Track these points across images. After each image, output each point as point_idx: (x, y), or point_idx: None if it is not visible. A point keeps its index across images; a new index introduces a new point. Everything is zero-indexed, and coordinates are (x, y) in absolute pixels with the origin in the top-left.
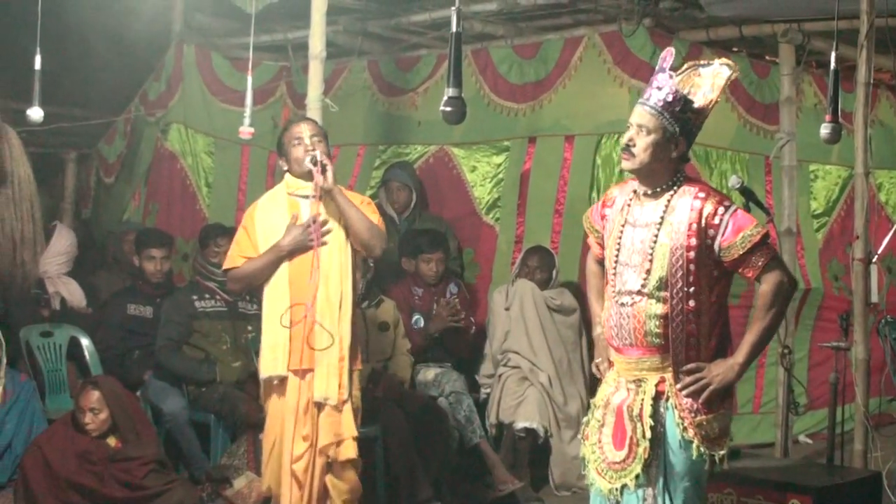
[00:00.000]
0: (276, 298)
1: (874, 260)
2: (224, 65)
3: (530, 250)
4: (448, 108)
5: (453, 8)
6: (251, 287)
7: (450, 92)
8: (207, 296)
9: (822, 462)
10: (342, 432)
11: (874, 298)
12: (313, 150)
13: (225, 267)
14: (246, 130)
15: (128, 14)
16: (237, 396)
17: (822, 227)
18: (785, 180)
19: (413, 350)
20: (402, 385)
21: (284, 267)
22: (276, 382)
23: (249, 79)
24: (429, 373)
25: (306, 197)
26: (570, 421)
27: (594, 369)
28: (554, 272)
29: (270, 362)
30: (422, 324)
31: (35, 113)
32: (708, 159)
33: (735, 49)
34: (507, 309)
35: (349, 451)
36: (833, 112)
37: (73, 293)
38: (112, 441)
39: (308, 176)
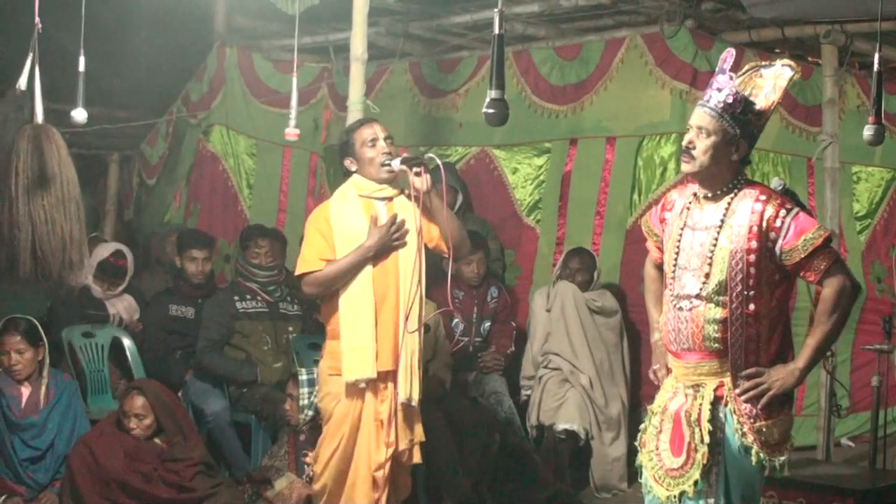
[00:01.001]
0: (358, 300)
1: None
2: (266, 66)
3: (571, 252)
4: (491, 110)
5: (496, 10)
6: (328, 291)
7: (492, 94)
8: (248, 297)
9: (864, 465)
10: (415, 436)
11: None
12: (389, 151)
13: (301, 271)
14: (292, 132)
15: (170, 16)
16: (278, 397)
17: (865, 229)
18: (827, 182)
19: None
20: (442, 386)
21: (368, 271)
22: (362, 386)
23: (294, 80)
24: (469, 374)
25: (382, 199)
26: (610, 423)
27: (651, 376)
28: (595, 274)
29: (357, 365)
30: (461, 328)
31: (79, 114)
32: (750, 161)
33: (777, 50)
34: (548, 311)
35: (417, 455)
36: (876, 114)
37: (129, 309)
38: (158, 442)
39: (383, 179)
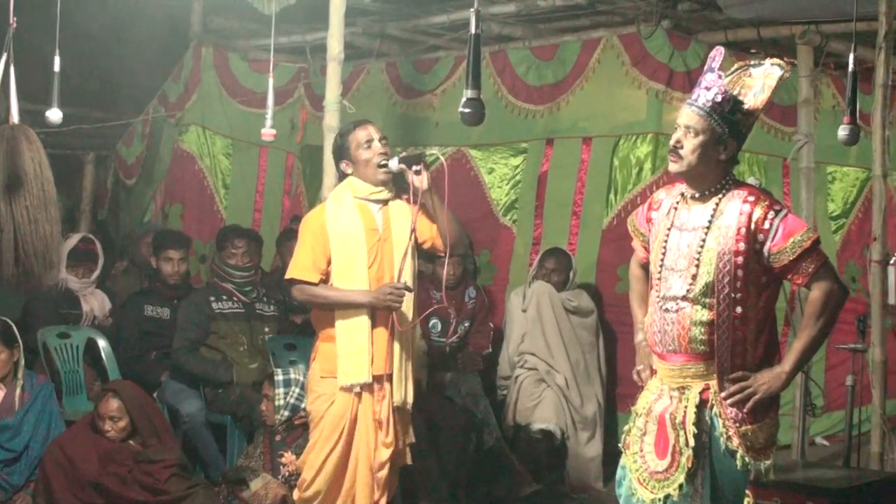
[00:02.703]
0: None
1: (891, 262)
2: (242, 66)
3: (547, 252)
4: (467, 110)
5: (472, 10)
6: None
7: (468, 94)
8: (225, 297)
9: (839, 464)
10: (408, 438)
11: (892, 300)
12: (384, 151)
13: (292, 276)
14: (268, 132)
15: (146, 16)
16: (254, 398)
17: (840, 228)
18: (802, 182)
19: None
20: (418, 386)
21: (364, 275)
22: (357, 391)
23: (271, 80)
24: (445, 375)
25: (378, 202)
26: (586, 423)
27: (635, 376)
28: (571, 274)
29: (353, 370)
30: (439, 328)
31: (54, 114)
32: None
33: (753, 51)
34: (524, 311)
35: (408, 457)
36: (851, 114)
37: (102, 306)
38: (133, 444)
39: (379, 181)
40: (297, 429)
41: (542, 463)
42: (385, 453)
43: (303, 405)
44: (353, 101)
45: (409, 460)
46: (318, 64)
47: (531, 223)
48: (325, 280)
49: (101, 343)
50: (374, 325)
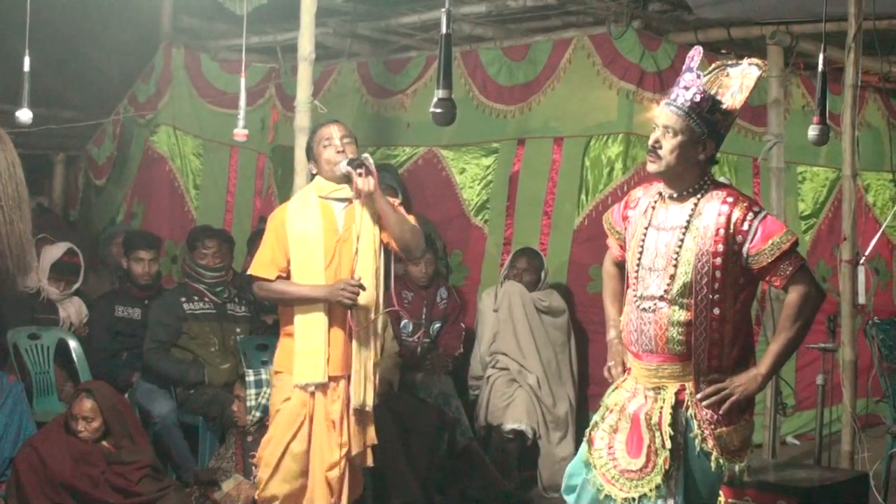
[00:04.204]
0: (312, 304)
1: (861, 261)
2: (213, 67)
3: (519, 252)
4: (438, 110)
5: (443, 10)
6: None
7: (440, 94)
8: (196, 298)
9: (810, 463)
10: (368, 440)
11: (861, 300)
12: (343, 151)
13: (253, 273)
14: (240, 132)
15: (117, 16)
16: (226, 398)
17: (810, 228)
18: (773, 182)
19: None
20: (390, 387)
21: (321, 273)
22: (311, 390)
23: (243, 80)
24: (417, 375)
25: (341, 200)
26: (558, 422)
27: (605, 373)
28: (542, 274)
29: (308, 369)
30: (410, 329)
31: (24, 115)
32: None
33: (723, 51)
34: (495, 311)
35: (370, 458)
36: (821, 114)
37: (80, 313)
38: (106, 445)
39: (341, 179)
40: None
41: (514, 463)
42: (337, 453)
43: None
44: (325, 101)
45: (370, 462)
46: (289, 64)
47: (502, 223)
48: (288, 277)
49: (73, 344)
50: (331, 325)
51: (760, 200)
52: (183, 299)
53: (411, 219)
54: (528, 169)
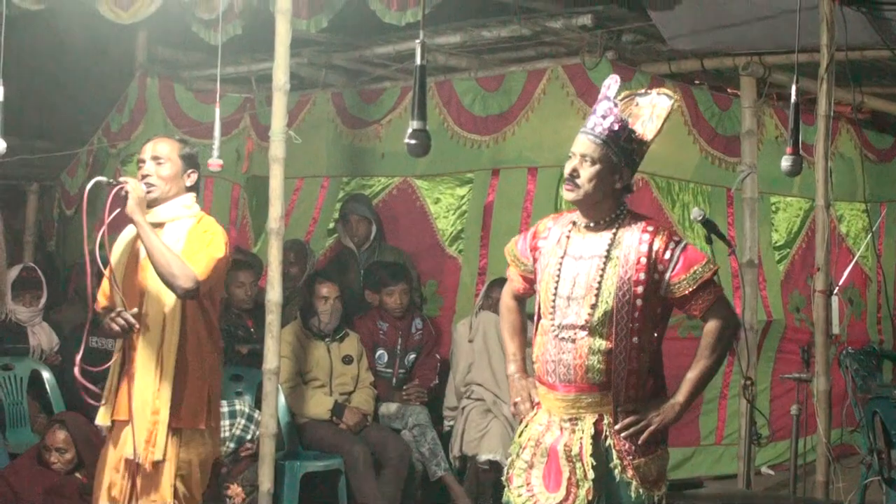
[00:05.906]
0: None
1: (835, 291)
2: (187, 97)
3: (494, 282)
4: (412, 141)
5: (417, 41)
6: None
7: (414, 125)
8: None
9: (785, 493)
10: (157, 497)
11: (835, 330)
12: (145, 174)
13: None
14: (215, 162)
15: (91, 45)
16: None
17: (784, 258)
18: (746, 212)
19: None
20: (365, 418)
21: (118, 300)
22: (104, 434)
23: (217, 110)
24: (392, 406)
25: (155, 225)
26: None
27: (512, 409)
28: None
29: (102, 408)
30: (385, 360)
31: None
32: (670, 191)
33: (697, 82)
34: (470, 341)
35: None
36: (794, 144)
37: (50, 340)
38: (79, 476)
39: (151, 202)
40: (244, 460)
41: (489, 493)
42: None
43: (248, 436)
44: (299, 131)
45: None
46: (264, 94)
47: (477, 253)
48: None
49: (46, 375)
50: (123, 363)
51: (734, 230)
52: None
53: (207, 250)
54: (502, 199)
